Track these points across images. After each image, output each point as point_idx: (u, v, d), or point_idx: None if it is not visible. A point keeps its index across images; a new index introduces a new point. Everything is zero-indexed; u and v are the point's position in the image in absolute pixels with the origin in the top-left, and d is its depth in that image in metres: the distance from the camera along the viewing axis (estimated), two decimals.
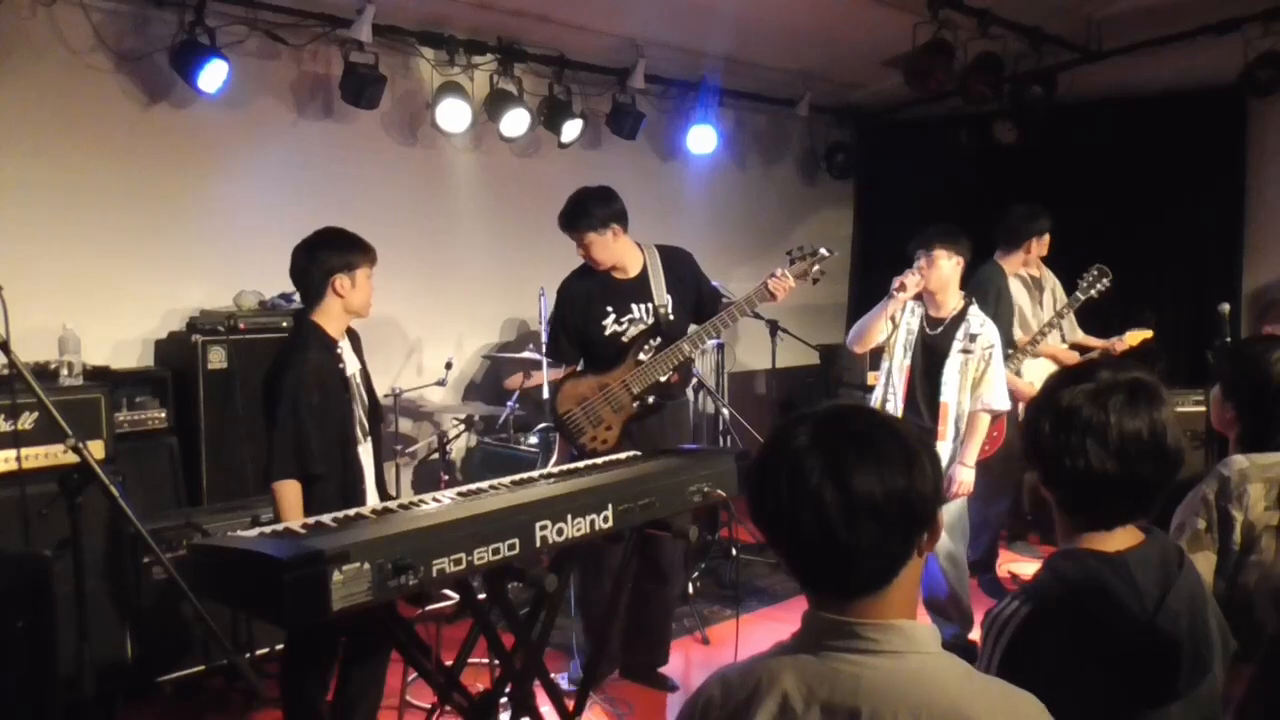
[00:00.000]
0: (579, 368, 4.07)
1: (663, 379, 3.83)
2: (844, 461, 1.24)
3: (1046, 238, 5.55)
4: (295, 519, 2.84)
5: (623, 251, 3.91)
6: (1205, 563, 2.22)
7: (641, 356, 3.84)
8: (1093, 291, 5.27)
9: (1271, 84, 6.12)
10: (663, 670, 4.23)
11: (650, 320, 3.91)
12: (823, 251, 3.87)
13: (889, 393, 4.32)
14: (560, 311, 4.04)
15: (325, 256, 3.18)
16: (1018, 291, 5.55)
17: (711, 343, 6.36)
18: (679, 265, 4.02)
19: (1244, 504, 2.22)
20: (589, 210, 3.83)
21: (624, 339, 3.91)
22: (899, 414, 4.15)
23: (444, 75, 5.74)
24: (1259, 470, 2.25)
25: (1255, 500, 2.22)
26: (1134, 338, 5.44)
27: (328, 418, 3.12)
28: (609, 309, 3.92)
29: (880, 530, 1.23)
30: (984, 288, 4.92)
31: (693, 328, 3.94)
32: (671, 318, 3.91)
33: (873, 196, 8.64)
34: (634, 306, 3.92)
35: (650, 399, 3.85)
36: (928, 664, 1.25)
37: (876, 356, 6.55)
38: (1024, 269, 5.59)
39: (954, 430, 4.20)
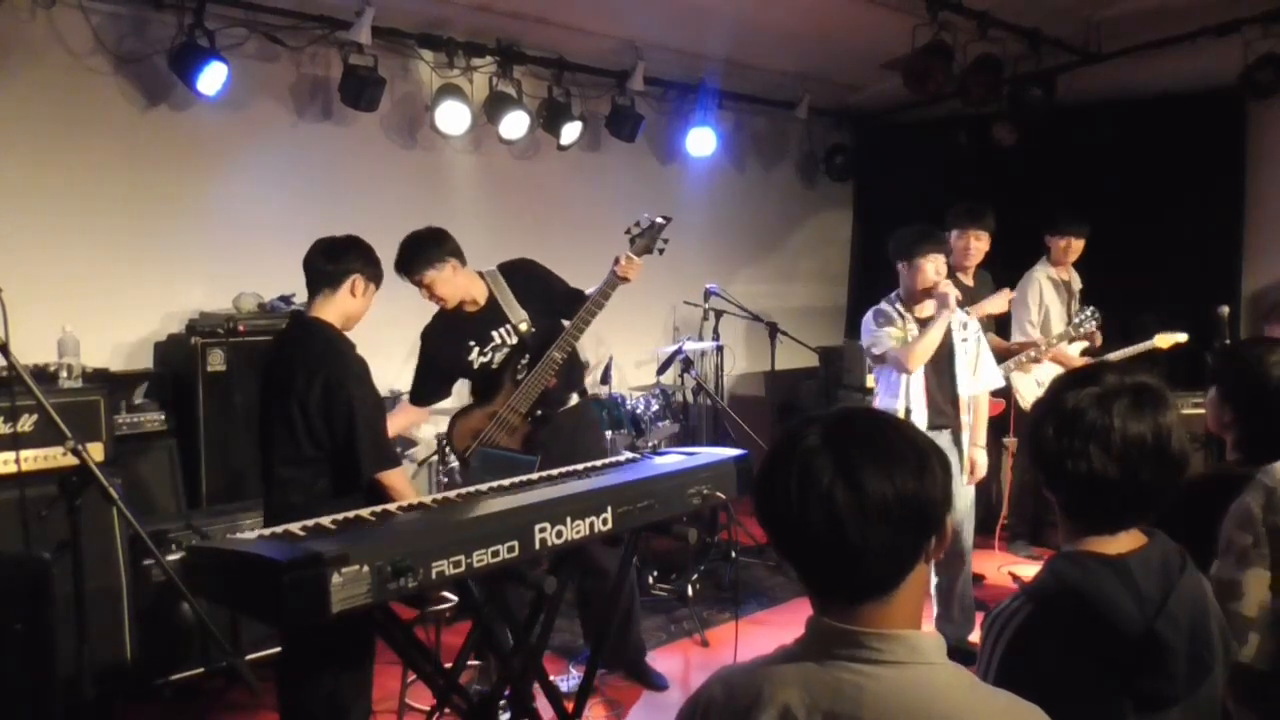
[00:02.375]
0: (471, 402, 4.08)
1: (544, 390, 3.86)
2: (856, 462, 1.23)
3: (1068, 241, 5.58)
4: (414, 497, 2.94)
5: (466, 284, 3.91)
6: (1258, 581, 2.07)
7: (519, 377, 3.87)
8: (1084, 329, 5.37)
9: (1271, 86, 6.12)
10: (656, 668, 4.23)
11: (514, 340, 3.94)
12: (659, 220, 3.86)
13: (910, 402, 4.31)
14: (427, 355, 4.08)
15: (357, 255, 3.26)
16: (1050, 294, 5.64)
17: (710, 344, 6.37)
18: (522, 276, 4.03)
19: None
20: (423, 249, 3.83)
21: (493, 366, 3.95)
22: (925, 421, 4.21)
23: (443, 77, 5.74)
24: None
25: None
26: (1164, 340, 5.44)
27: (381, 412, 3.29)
28: (470, 343, 3.95)
29: (890, 532, 1.23)
30: None
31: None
32: (533, 330, 3.92)
33: (872, 199, 8.64)
34: (493, 333, 3.95)
35: (539, 411, 3.88)
36: (933, 675, 1.24)
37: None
38: (1055, 271, 5.66)
39: (970, 418, 4.36)
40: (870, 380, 6.53)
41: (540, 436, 3.90)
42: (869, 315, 4.37)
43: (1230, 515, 2.16)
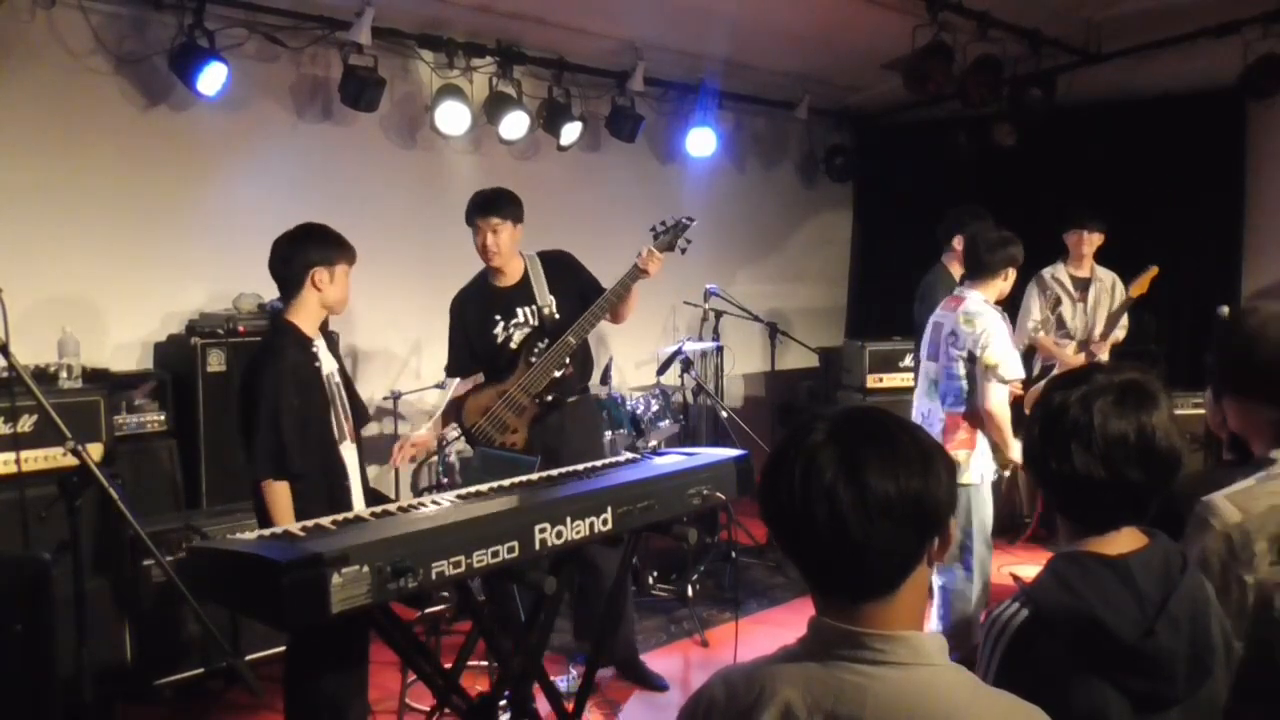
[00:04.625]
0: (481, 379, 4.14)
1: (557, 374, 3.93)
2: (860, 459, 1.23)
3: (1080, 235, 5.55)
4: (287, 520, 2.88)
5: (514, 253, 4.03)
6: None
7: (532, 359, 3.94)
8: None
9: (1271, 86, 6.12)
10: (656, 668, 4.25)
11: (535, 322, 4.01)
12: (684, 220, 3.96)
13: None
14: (457, 324, 4.14)
15: (307, 249, 3.19)
16: (1033, 298, 5.66)
17: (710, 345, 6.37)
18: (558, 265, 4.13)
19: (1252, 565, 1.95)
20: (512, 202, 3.98)
21: (512, 345, 4.01)
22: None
23: (443, 78, 5.74)
24: (1258, 524, 1.97)
25: (1260, 558, 1.96)
26: (1138, 288, 5.36)
27: (309, 417, 3.13)
28: (496, 317, 4.03)
29: (892, 530, 1.22)
30: (934, 290, 4.90)
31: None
32: (557, 316, 4.00)
33: (872, 199, 8.65)
34: (518, 310, 4.03)
35: (549, 397, 3.95)
36: (935, 676, 1.24)
37: (880, 359, 6.57)
38: (1061, 272, 5.63)
39: None
40: (872, 381, 6.55)
41: (547, 422, 3.96)
42: (999, 324, 4.02)
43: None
